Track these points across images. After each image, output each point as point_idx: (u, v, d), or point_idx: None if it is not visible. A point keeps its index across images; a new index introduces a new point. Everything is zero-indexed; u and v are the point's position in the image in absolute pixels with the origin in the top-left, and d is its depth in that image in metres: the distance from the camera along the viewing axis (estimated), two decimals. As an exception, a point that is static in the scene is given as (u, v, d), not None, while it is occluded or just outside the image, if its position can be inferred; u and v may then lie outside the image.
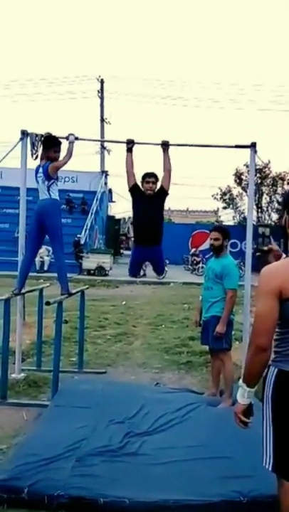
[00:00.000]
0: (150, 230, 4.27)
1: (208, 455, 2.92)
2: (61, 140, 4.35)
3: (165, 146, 4.33)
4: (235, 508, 2.44)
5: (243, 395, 1.87)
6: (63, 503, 2.42)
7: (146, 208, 4.24)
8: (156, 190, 4.26)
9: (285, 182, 20.75)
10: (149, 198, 4.24)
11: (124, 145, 4.38)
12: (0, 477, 2.57)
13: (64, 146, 4.31)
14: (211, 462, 2.83)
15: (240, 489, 2.51)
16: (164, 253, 4.51)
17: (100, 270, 15.89)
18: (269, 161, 19.50)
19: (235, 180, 21.24)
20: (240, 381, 1.89)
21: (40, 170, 4.22)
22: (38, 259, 15.10)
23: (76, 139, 4.33)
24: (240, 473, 2.68)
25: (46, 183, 4.18)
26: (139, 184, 4.31)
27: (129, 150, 4.33)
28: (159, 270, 4.76)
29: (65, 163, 4.22)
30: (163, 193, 4.29)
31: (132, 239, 4.54)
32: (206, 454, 2.93)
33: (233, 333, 7.19)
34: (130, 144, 4.33)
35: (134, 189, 4.30)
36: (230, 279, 3.97)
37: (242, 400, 1.88)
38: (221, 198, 22.48)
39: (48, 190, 4.20)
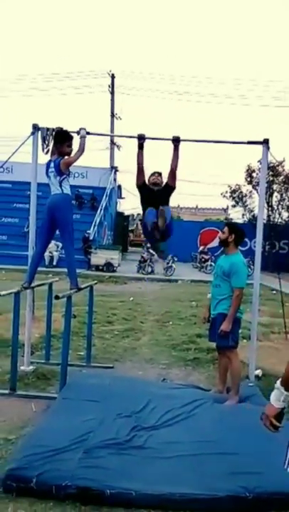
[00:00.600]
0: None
1: (215, 451, 2.94)
2: (72, 135, 4.36)
3: (176, 142, 4.33)
4: (240, 503, 2.45)
5: (279, 398, 1.79)
6: (71, 494, 2.46)
7: (154, 200, 4.28)
8: (162, 184, 4.35)
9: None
10: (156, 193, 4.31)
11: (135, 141, 4.39)
12: (9, 466, 2.62)
13: (75, 141, 4.31)
14: (217, 458, 2.85)
15: (246, 485, 2.52)
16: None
17: (109, 266, 15.94)
18: (284, 159, 19.24)
19: (246, 178, 21.07)
20: (278, 383, 1.81)
21: (52, 165, 4.20)
22: (47, 254, 15.20)
23: (87, 133, 4.33)
24: (246, 470, 2.69)
25: (58, 178, 4.18)
26: (147, 182, 4.38)
27: (141, 146, 4.34)
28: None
29: (77, 158, 4.21)
30: (169, 188, 4.36)
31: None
32: (212, 450, 2.95)
33: (240, 331, 7.21)
34: (141, 139, 4.34)
35: (142, 186, 4.38)
36: (238, 278, 3.96)
37: (276, 403, 1.79)
38: (230, 196, 22.34)
39: (60, 185, 4.20)
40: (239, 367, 4.12)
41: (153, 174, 4.39)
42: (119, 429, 3.18)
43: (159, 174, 4.40)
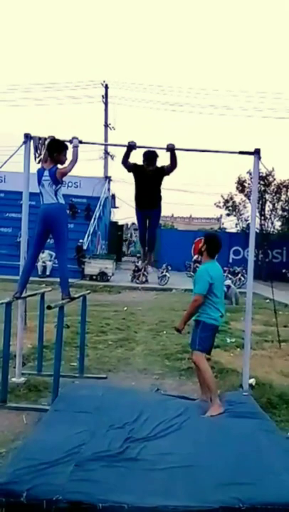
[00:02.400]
0: (149, 197, 4.61)
1: (207, 462, 2.91)
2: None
3: (171, 150, 4.39)
4: (234, 514, 2.42)
5: None
6: (62, 508, 2.41)
7: (147, 181, 4.47)
8: (156, 167, 4.44)
9: (289, 190, 20.73)
10: (149, 175, 4.45)
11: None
12: (-1, 481, 2.56)
13: (68, 150, 4.31)
14: (210, 469, 2.82)
15: (240, 496, 2.49)
16: (160, 215, 4.94)
17: (102, 276, 15.89)
18: (273, 169, 19.52)
19: (237, 188, 21.26)
20: None
21: (46, 173, 4.17)
22: (40, 263, 15.14)
23: (80, 142, 4.34)
24: (239, 481, 2.66)
25: (54, 187, 4.15)
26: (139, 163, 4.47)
27: (129, 150, 4.43)
28: (153, 229, 4.92)
29: (72, 168, 4.20)
30: (162, 172, 4.50)
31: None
32: (205, 461, 2.92)
33: (232, 340, 7.18)
34: (132, 147, 4.39)
35: (134, 168, 4.50)
36: (197, 284, 4.08)
37: None
38: (223, 206, 22.50)
39: (56, 194, 4.18)
40: (208, 371, 4.06)
41: (147, 159, 4.38)
42: (111, 441, 3.14)
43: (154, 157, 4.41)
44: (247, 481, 2.64)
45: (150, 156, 4.39)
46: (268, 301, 11.14)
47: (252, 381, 4.75)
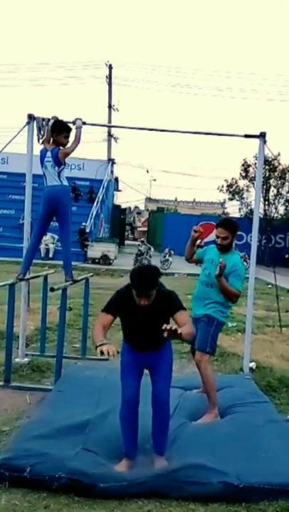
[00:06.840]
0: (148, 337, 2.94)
1: (207, 440, 2.96)
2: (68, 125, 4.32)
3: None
4: (231, 491, 2.47)
5: None
6: (64, 484, 2.47)
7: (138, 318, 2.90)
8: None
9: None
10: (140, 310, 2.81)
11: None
12: (3, 456, 2.62)
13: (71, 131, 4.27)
14: (210, 447, 2.87)
15: (238, 474, 2.55)
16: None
17: (105, 259, 15.91)
18: (279, 153, 19.26)
19: (241, 173, 21.05)
20: None
21: (49, 154, 4.14)
22: (43, 246, 15.15)
23: (83, 123, 4.30)
24: (238, 460, 2.71)
25: (57, 168, 4.14)
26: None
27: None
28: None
29: (74, 149, 4.18)
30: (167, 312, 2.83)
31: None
32: (205, 440, 2.97)
33: (235, 324, 7.22)
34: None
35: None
36: (238, 280, 3.54)
37: None
38: (227, 190, 22.31)
39: (59, 176, 4.17)
40: (212, 378, 3.56)
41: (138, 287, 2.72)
42: (113, 420, 3.19)
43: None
44: (246, 461, 2.70)
45: (142, 281, 2.66)
46: (270, 286, 11.16)
47: (252, 365, 4.80)
